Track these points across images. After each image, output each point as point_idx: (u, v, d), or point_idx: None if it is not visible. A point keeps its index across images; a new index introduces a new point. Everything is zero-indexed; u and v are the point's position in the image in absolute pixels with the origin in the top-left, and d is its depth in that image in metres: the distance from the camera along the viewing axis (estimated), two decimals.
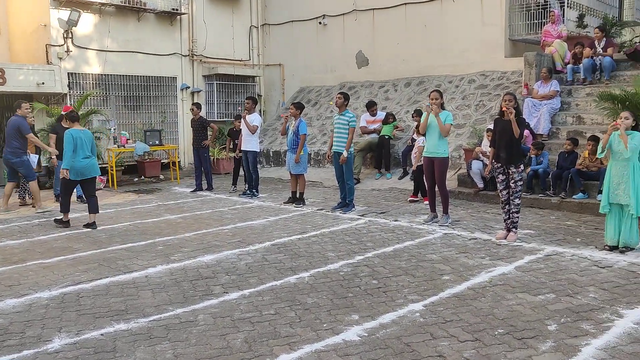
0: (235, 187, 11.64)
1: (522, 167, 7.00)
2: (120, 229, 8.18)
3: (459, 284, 5.35)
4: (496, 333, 4.20)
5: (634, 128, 6.38)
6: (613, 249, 6.37)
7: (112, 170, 12.37)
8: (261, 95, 16.90)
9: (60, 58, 12.89)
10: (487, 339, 4.09)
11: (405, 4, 13.86)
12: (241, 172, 11.39)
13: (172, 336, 4.26)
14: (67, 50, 12.97)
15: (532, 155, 9.32)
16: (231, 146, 12.48)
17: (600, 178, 8.16)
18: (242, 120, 10.63)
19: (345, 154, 8.85)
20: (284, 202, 10.06)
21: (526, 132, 9.34)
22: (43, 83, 12.39)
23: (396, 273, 5.74)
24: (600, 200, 6.77)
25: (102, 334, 4.31)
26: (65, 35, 12.92)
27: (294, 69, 16.48)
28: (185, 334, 4.30)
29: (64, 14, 12.75)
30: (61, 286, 5.49)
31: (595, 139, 8.87)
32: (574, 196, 8.77)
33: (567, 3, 12.33)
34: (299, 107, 9.95)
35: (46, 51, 12.82)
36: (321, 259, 6.35)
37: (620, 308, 4.64)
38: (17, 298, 5.17)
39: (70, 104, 12.50)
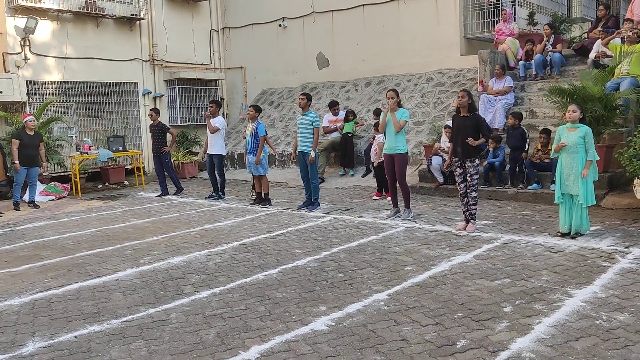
0: (254, 191, 10.60)
1: (477, 161, 7.31)
2: (87, 235, 8.20)
3: (420, 274, 5.60)
4: (456, 317, 4.45)
5: (581, 120, 6.75)
6: (565, 235, 6.73)
7: (76, 177, 12.28)
8: (224, 99, 16.97)
9: (18, 66, 12.75)
10: (447, 323, 4.34)
11: (363, 5, 14.16)
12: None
13: (145, 335, 4.38)
14: (25, 58, 12.84)
15: (490, 149, 9.69)
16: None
17: (552, 169, 8.56)
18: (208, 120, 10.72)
19: (312, 153, 9.05)
20: (250, 203, 10.21)
21: None
22: (1, 92, 12.22)
23: (361, 266, 5.96)
24: (554, 190, 7.13)
25: (75, 336, 4.40)
26: (22, 43, 12.79)
27: (256, 72, 16.61)
28: (158, 332, 4.42)
29: (21, 21, 12.62)
30: (31, 293, 5.53)
31: (546, 132, 9.30)
32: (528, 187, 9.17)
33: (518, 2, 12.79)
34: (257, 109, 10.14)
35: (3, 59, 12.64)
36: (288, 256, 6.53)
37: (570, 289, 4.96)
38: None
39: (30, 112, 12.39)
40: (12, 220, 9.66)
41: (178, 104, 15.51)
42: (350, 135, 12.17)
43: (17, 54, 12.77)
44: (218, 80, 16.71)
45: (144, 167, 14.26)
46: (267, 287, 5.40)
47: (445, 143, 9.74)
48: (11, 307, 5.15)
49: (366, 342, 4.06)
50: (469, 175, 7.18)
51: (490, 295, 4.89)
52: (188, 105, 15.82)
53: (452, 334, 4.12)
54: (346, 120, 12.42)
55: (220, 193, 10.94)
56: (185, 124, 15.48)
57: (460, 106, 7.12)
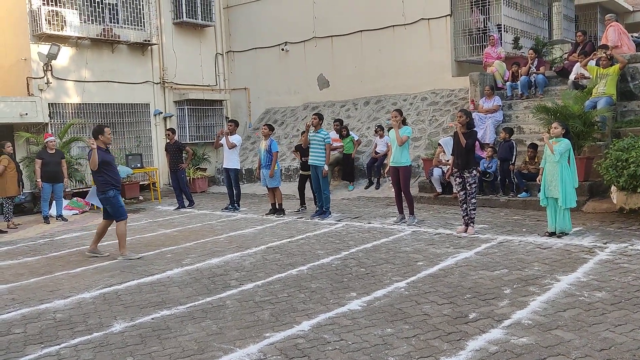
0: (303, 206, 11.16)
1: (474, 171, 8.34)
2: None
3: (431, 267, 6.56)
4: (465, 297, 5.42)
5: (564, 135, 7.80)
6: (552, 234, 7.75)
7: None
8: (228, 118, 17.91)
9: (41, 90, 13.63)
10: (459, 302, 5.30)
11: (361, 31, 15.28)
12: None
13: (210, 316, 5.28)
14: (48, 82, 13.73)
15: (485, 158, 10.72)
16: (301, 160, 11.38)
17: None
18: (224, 138, 11.69)
19: (325, 167, 10.03)
20: (265, 214, 11.13)
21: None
22: (26, 114, 13.09)
23: (379, 262, 6.92)
24: (540, 197, 8.16)
25: (152, 319, 5.29)
26: (45, 68, 13.68)
27: (259, 92, 17.63)
28: (220, 314, 5.33)
29: (44, 48, 13.52)
30: (97, 288, 6.41)
31: (533, 147, 10.38)
32: (518, 195, 10.23)
33: (504, 28, 13.97)
34: (271, 128, 11.18)
35: (27, 84, 13.52)
36: (313, 256, 7.47)
37: (558, 275, 5.96)
38: (64, 299, 6.06)
39: (51, 132, 13.24)
40: (47, 232, 10.49)
41: (187, 124, 16.46)
42: (351, 155, 13.12)
43: (40, 78, 13.65)
44: (223, 100, 17.70)
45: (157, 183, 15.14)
46: (301, 280, 6.34)
47: (443, 157, 10.78)
48: (85, 299, 6.02)
49: (395, 316, 5.01)
50: (468, 184, 8.21)
51: (492, 282, 5.87)
52: (196, 124, 16.77)
53: (464, 310, 5.09)
54: (340, 136, 13.30)
55: (235, 205, 11.86)
56: (194, 142, 16.39)
57: (460, 124, 8.15)
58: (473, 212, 8.31)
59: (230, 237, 9.04)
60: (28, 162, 13.06)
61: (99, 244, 8.28)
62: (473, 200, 8.26)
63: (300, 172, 11.35)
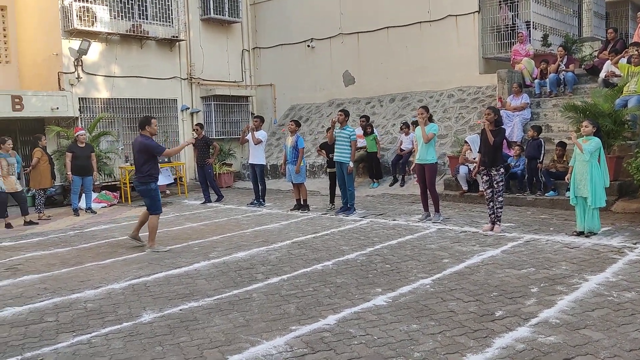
0: (333, 204, 11.10)
1: (502, 169, 8.27)
2: None
3: (457, 265, 6.54)
4: (491, 295, 5.39)
5: (595, 134, 7.69)
6: (580, 234, 7.66)
7: (125, 186, 13.36)
8: (254, 114, 18.02)
9: (72, 84, 13.90)
10: (485, 299, 5.29)
11: (388, 27, 15.23)
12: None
13: (237, 308, 5.35)
14: (78, 77, 13.98)
15: (512, 156, 10.63)
16: (328, 158, 11.27)
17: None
18: (250, 133, 11.77)
19: (351, 164, 10.05)
20: (290, 209, 11.19)
21: None
22: (57, 108, 13.37)
23: (404, 259, 6.92)
24: (569, 197, 8.07)
25: (180, 310, 5.38)
26: (75, 63, 13.94)
27: (285, 89, 17.71)
28: (247, 306, 5.40)
29: (75, 43, 13.77)
30: (126, 280, 6.53)
31: (562, 145, 10.25)
32: (546, 194, 10.11)
33: (533, 25, 13.80)
34: (297, 124, 11.24)
35: (58, 78, 13.80)
36: (338, 251, 7.50)
37: (586, 275, 5.89)
38: (94, 289, 6.19)
39: (81, 126, 13.48)
40: (77, 224, 10.71)
41: (213, 119, 16.62)
42: (375, 153, 13.09)
43: (70, 73, 13.91)
44: (249, 96, 17.82)
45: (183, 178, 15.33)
46: (326, 275, 6.37)
47: (469, 155, 10.71)
48: (115, 290, 6.15)
49: (421, 312, 5.02)
50: (495, 182, 8.15)
51: (518, 280, 5.83)
52: (222, 120, 16.93)
53: (490, 307, 5.07)
54: (365, 133, 13.28)
55: (261, 200, 11.94)
56: (219, 137, 16.54)
57: (488, 121, 8.09)
58: (500, 210, 8.25)
59: (256, 232, 9.12)
60: (58, 155, 13.32)
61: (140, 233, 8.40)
62: (500, 199, 8.21)
63: (328, 170, 11.34)
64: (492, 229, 8.20)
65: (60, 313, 5.43)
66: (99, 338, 4.73)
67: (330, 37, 16.46)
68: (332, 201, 11.22)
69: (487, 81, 13.70)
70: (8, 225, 10.47)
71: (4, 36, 15.08)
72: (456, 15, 14.09)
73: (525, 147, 10.77)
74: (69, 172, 11.77)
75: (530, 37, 13.64)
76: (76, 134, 12.14)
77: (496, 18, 14.09)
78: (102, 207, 12.76)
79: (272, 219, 10.38)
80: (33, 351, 4.51)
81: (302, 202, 11.09)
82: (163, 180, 13.17)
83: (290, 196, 12.31)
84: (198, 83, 16.54)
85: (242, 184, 16.07)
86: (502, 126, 8.42)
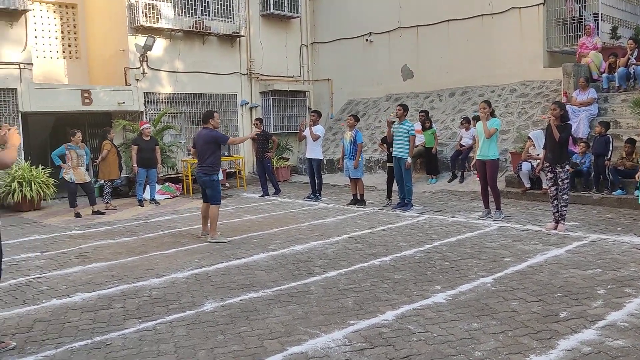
0: (390, 200, 11.05)
1: (567, 166, 8.01)
2: None
3: (519, 264, 6.39)
4: (555, 296, 5.25)
5: None
6: None
7: (187, 179, 13.72)
8: (311, 108, 18.12)
9: (137, 79, 14.35)
10: (549, 300, 5.15)
11: (448, 20, 14.97)
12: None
13: (296, 300, 5.42)
14: (143, 72, 14.43)
15: (578, 153, 10.28)
16: (388, 152, 11.10)
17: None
18: (307, 129, 11.86)
19: (409, 159, 9.97)
20: (346, 204, 11.21)
21: None
22: (124, 102, 13.86)
23: (463, 257, 6.82)
24: (638, 196, 7.75)
25: (241, 300, 5.50)
26: (141, 59, 14.39)
27: (342, 83, 17.71)
28: (305, 299, 5.46)
29: (140, 40, 14.22)
30: (189, 269, 6.72)
31: (631, 142, 9.82)
32: (613, 192, 9.73)
33: (601, 16, 13.26)
34: (356, 119, 11.22)
35: (125, 74, 14.29)
36: (395, 247, 7.46)
37: None
38: (158, 278, 6.40)
39: (146, 120, 13.92)
40: (141, 215, 11.09)
41: (271, 114, 16.82)
42: (432, 148, 12.92)
43: (136, 68, 14.38)
44: (306, 91, 17.93)
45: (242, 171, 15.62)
46: (384, 270, 6.36)
47: (532, 151, 10.43)
48: (178, 279, 6.34)
49: (481, 311, 4.94)
50: (560, 179, 7.90)
51: (584, 281, 5.64)
52: (280, 114, 17.11)
53: (554, 308, 4.93)
54: (423, 127, 13.10)
55: (317, 194, 12.01)
56: (277, 132, 16.73)
57: (553, 116, 7.85)
58: (564, 208, 8.00)
59: (313, 226, 9.19)
60: (124, 148, 13.81)
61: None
62: (565, 197, 7.95)
63: (387, 164, 11.28)
64: (555, 228, 7.96)
65: (127, 300, 5.65)
66: (164, 325, 4.90)
67: (388, 31, 16.32)
68: (389, 196, 11.14)
69: (551, 75, 13.26)
70: (77, 215, 10.95)
71: (74, 33, 15.73)
72: (520, 8, 13.70)
73: (591, 144, 10.39)
74: (135, 165, 12.19)
75: (598, 29, 13.11)
76: (141, 128, 12.55)
77: (562, 10, 13.61)
78: (165, 198, 13.15)
79: (328, 213, 10.42)
80: (102, 335, 4.71)
81: (358, 197, 11.09)
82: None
83: (346, 191, 12.33)
84: (257, 78, 16.78)
85: (299, 178, 16.22)
86: (568, 122, 8.14)
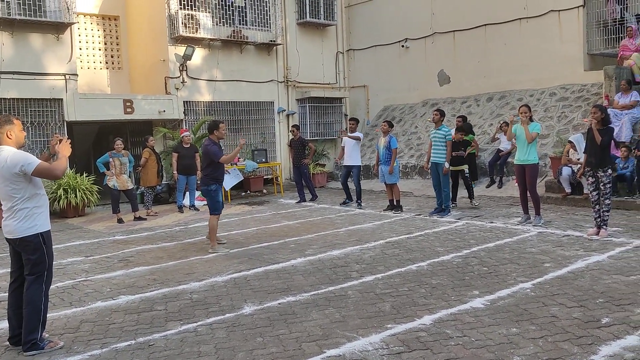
0: (455, 203, 11.17)
1: (609, 171, 7.85)
2: (251, 232, 9.59)
3: (559, 269, 6.30)
4: (597, 302, 5.15)
5: None
6: None
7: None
8: (347, 115, 18.19)
9: (177, 88, 14.69)
10: (590, 306, 5.06)
11: (485, 25, 14.85)
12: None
13: (333, 304, 5.47)
14: (183, 82, 14.77)
15: (620, 157, 10.05)
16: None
17: None
18: (345, 138, 11.92)
19: (446, 165, 9.93)
20: (383, 210, 11.22)
21: None
22: (164, 111, 14.19)
23: (502, 262, 6.75)
24: None
25: (279, 303, 5.58)
26: (181, 68, 14.72)
27: (378, 90, 17.73)
28: (343, 303, 5.50)
29: (180, 49, 14.55)
30: (227, 274, 6.84)
31: None
32: None
33: None
34: (390, 124, 11.22)
35: (165, 83, 14.64)
36: (432, 252, 7.44)
37: None
38: (198, 282, 6.54)
39: (186, 128, 14.21)
40: (181, 221, 11.33)
41: (308, 121, 16.96)
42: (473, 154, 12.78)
43: (176, 77, 14.72)
44: (343, 98, 18.02)
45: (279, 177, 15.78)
46: (421, 275, 6.35)
47: (573, 155, 10.24)
48: (217, 283, 6.46)
49: (520, 317, 4.89)
50: (602, 184, 7.74)
51: (627, 287, 5.52)
52: (316, 121, 17.24)
53: (596, 314, 4.85)
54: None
55: (358, 202, 11.99)
56: (313, 138, 16.85)
57: (595, 120, 7.71)
58: (606, 214, 7.83)
59: (350, 231, 9.23)
60: (165, 155, 14.13)
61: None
62: (607, 202, 7.79)
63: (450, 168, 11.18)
64: (597, 233, 7.80)
65: (168, 302, 5.79)
66: (204, 327, 5.01)
67: (424, 37, 16.29)
68: (453, 199, 11.07)
69: (592, 78, 13.00)
70: (120, 221, 11.26)
71: (117, 44, 16.21)
72: (559, 11, 13.49)
73: (634, 148, 10.13)
74: (175, 171, 12.47)
75: None
76: (181, 135, 12.83)
77: (602, 12, 13.33)
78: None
79: (365, 218, 10.45)
80: (145, 337, 4.85)
81: (394, 203, 11.08)
82: (231, 181, 13.56)
83: (383, 196, 12.33)
84: (294, 85, 16.96)
85: (335, 184, 16.26)
86: (610, 125, 7.98)
